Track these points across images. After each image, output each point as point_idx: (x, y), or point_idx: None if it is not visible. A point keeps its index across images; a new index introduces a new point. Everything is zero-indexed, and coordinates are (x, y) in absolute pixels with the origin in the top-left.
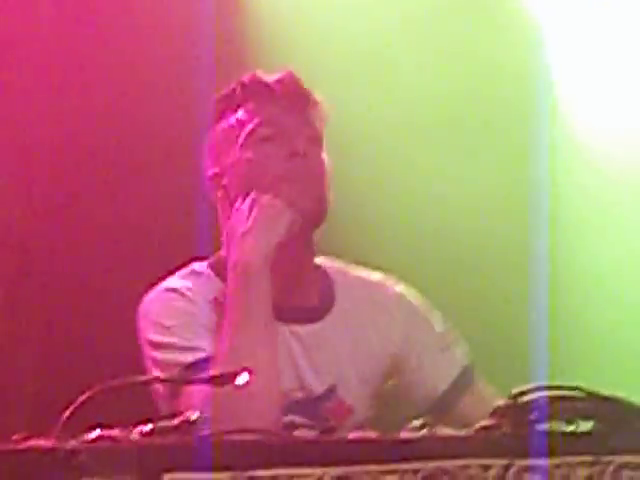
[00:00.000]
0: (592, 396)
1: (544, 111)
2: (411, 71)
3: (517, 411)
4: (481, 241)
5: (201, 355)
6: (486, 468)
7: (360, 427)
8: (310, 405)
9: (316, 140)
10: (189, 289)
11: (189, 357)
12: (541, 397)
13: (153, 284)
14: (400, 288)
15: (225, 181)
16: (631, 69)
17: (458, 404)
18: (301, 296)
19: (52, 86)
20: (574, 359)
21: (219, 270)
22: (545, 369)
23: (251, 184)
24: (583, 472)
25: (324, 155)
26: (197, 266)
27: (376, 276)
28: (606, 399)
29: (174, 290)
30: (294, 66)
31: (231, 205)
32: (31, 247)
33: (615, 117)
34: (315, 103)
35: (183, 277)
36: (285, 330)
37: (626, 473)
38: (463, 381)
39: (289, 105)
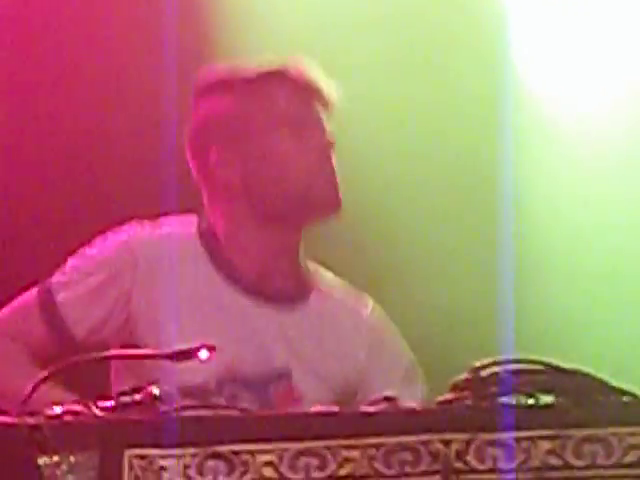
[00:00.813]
0: (553, 369)
1: (509, 97)
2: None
3: (478, 384)
4: (450, 223)
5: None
6: (447, 443)
7: None
8: (260, 383)
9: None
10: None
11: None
12: (502, 371)
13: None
14: (377, 313)
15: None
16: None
17: None
18: (280, 280)
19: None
20: (539, 334)
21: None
22: (511, 343)
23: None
24: (545, 446)
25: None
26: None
27: (356, 293)
28: (567, 372)
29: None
30: None
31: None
32: None
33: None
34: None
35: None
36: (257, 307)
37: (587, 447)
38: None
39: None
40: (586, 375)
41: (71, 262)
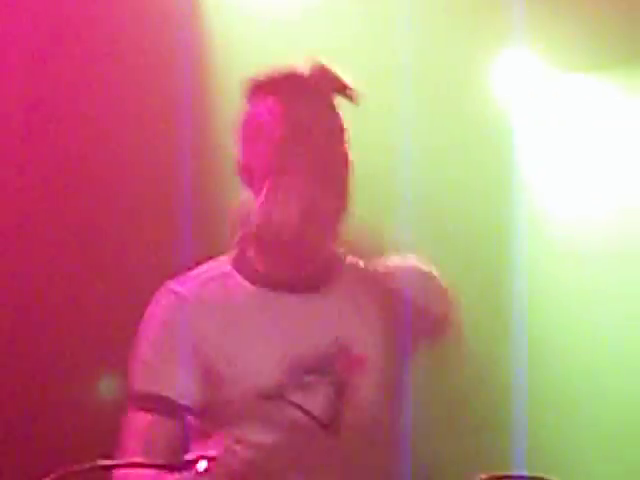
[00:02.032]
0: None
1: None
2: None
3: None
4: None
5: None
6: None
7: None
8: (324, 363)
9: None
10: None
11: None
12: None
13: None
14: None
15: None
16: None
17: None
18: (308, 270)
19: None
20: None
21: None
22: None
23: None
24: None
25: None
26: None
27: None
28: None
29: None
30: None
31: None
32: None
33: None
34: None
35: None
36: (296, 301)
37: None
38: None
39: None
40: None
41: (140, 358)
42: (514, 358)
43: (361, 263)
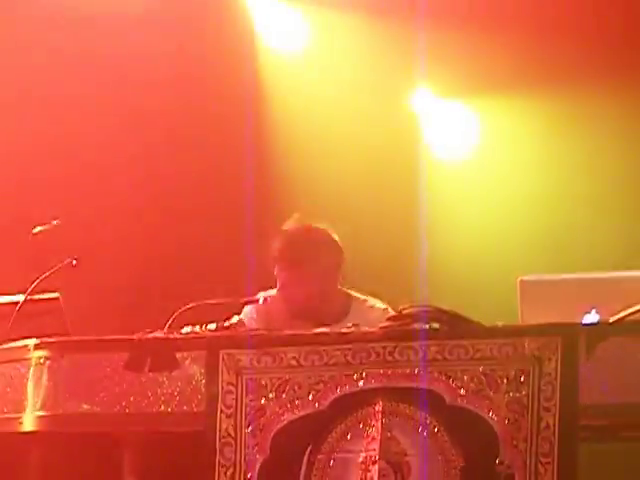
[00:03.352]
0: (438, 310)
1: None
2: None
3: (403, 317)
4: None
5: None
6: (384, 347)
7: None
8: None
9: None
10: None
11: None
12: (415, 310)
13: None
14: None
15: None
16: None
17: None
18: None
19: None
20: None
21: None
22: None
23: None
24: (434, 348)
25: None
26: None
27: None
28: (445, 311)
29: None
30: None
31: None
32: None
33: None
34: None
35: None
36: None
37: (455, 349)
38: None
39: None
40: (454, 313)
41: None
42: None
43: (359, 295)
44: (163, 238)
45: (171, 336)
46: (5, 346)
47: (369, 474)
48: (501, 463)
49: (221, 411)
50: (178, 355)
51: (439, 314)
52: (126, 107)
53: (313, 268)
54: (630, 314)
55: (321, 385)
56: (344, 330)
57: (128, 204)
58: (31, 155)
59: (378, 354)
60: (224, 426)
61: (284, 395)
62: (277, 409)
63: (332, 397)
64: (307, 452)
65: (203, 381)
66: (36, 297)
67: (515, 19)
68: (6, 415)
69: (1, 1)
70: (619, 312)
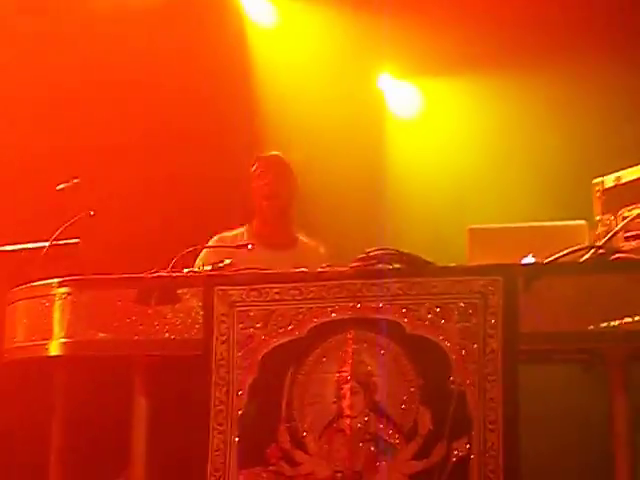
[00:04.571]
0: (400, 253)
1: None
2: None
3: (370, 258)
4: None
5: None
6: (354, 284)
7: None
8: None
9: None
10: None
11: None
12: (380, 253)
13: None
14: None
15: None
16: None
17: None
18: (279, 238)
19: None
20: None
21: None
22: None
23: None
24: (396, 285)
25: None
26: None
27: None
28: (405, 254)
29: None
30: None
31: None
32: None
33: None
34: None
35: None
36: (268, 252)
37: (415, 286)
38: None
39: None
40: (416, 256)
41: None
42: None
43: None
44: (165, 194)
45: (173, 275)
46: (33, 284)
47: (342, 391)
48: (453, 382)
49: (216, 338)
50: (179, 291)
51: (400, 256)
52: (136, 58)
53: (282, 174)
54: (560, 257)
55: (300, 316)
56: (319, 270)
57: (139, 161)
58: (57, 122)
59: (349, 290)
60: (219, 351)
61: (269, 324)
62: (263, 336)
63: (310, 326)
64: (289, 372)
65: (201, 313)
66: (59, 242)
67: (458, 13)
68: (35, 342)
69: None
70: (552, 256)
